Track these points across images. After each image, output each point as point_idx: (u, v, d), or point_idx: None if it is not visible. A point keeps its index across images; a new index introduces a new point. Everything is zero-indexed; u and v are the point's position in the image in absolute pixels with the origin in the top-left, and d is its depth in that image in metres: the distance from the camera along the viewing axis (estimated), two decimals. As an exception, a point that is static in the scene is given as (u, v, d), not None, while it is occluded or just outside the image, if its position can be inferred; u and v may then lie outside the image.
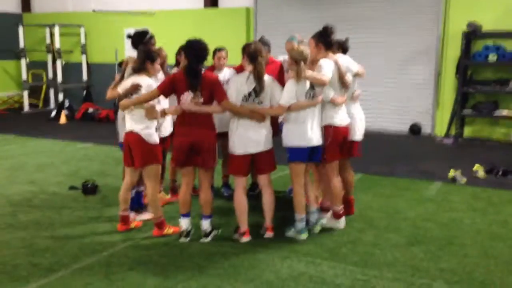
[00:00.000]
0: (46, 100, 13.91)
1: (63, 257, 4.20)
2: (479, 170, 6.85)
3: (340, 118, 4.77)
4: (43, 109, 13.50)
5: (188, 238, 4.57)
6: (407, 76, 10.14)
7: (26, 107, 13.11)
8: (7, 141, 9.20)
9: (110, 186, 6.25)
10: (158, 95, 4.44)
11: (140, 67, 4.57)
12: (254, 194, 5.74)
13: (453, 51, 9.52)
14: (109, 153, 8.21)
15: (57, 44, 12.50)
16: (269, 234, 4.64)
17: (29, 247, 4.42)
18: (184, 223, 4.60)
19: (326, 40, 4.69)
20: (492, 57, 8.95)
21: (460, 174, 6.62)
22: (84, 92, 13.14)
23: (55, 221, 5.07)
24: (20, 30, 12.88)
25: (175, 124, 4.61)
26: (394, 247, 4.45)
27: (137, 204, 5.10)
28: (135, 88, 4.47)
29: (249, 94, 4.41)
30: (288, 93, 4.42)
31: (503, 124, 9.45)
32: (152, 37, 4.97)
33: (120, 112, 4.88)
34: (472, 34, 9.09)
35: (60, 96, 12.44)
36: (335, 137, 4.71)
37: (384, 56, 10.28)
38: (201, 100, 4.36)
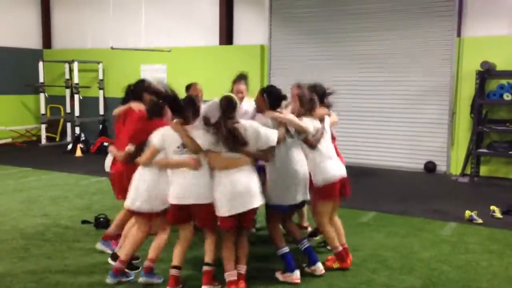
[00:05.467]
0: (64, 134, 14.14)
1: (73, 293, 4.19)
2: (496, 210, 6.73)
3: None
4: (60, 142, 13.71)
5: None
6: (422, 114, 10.11)
7: (44, 140, 13.31)
8: (23, 174, 9.31)
9: (122, 221, 6.25)
10: None
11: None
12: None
13: (467, 90, 9.51)
14: (122, 187, 8.23)
15: (75, 80, 12.79)
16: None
17: (39, 281, 4.41)
18: None
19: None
20: (507, 96, 8.92)
21: (476, 215, 6.51)
22: (100, 126, 13.34)
23: (66, 255, 5.06)
24: (40, 65, 13.22)
25: None
26: (409, 289, 4.35)
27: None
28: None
29: None
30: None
31: (519, 164, 9.33)
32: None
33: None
34: (486, 73, 9.09)
35: (77, 130, 12.64)
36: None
37: (398, 94, 10.29)
38: None
